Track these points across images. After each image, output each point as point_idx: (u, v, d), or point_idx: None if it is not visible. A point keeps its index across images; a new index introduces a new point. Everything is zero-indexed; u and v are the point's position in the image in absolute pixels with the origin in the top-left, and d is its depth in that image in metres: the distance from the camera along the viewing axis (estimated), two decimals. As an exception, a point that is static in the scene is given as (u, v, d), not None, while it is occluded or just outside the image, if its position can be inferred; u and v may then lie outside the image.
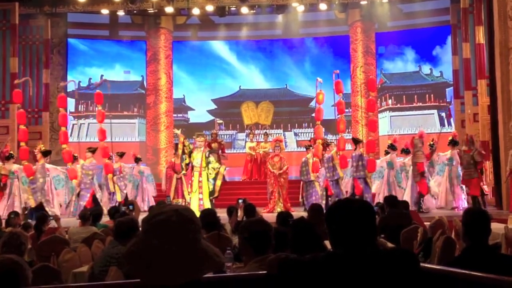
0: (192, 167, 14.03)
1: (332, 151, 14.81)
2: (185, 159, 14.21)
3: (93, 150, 15.11)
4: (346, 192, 14.57)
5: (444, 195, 14.92)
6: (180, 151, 14.32)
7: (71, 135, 20.76)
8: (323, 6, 19.80)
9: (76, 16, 20.66)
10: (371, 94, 15.76)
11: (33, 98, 19.15)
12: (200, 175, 13.86)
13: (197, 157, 13.91)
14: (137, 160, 17.30)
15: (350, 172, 14.77)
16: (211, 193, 13.89)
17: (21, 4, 18.44)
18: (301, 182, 15.67)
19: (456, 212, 12.96)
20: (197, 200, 13.73)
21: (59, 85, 17.64)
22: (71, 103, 21.15)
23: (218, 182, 13.92)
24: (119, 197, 15.08)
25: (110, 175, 15.20)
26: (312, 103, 22.34)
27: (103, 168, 15.44)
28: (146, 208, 15.57)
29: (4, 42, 18.35)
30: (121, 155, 16.06)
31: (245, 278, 2.77)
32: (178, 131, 14.79)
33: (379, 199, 13.88)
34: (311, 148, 15.52)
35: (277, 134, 21.14)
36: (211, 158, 14.19)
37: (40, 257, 6.67)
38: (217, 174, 13.92)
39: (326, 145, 15.53)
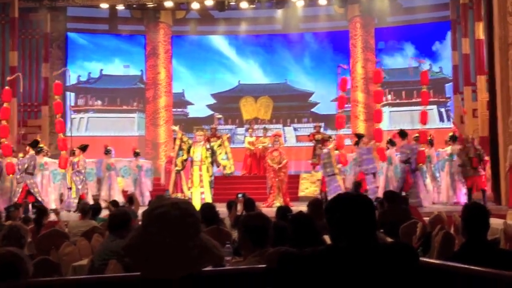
0: (192, 161, 14.05)
1: (370, 143, 14.70)
2: (182, 155, 14.22)
3: (32, 144, 14.65)
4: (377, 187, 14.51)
5: (445, 191, 14.97)
6: (176, 147, 14.33)
7: (70, 129, 20.79)
8: (322, 1, 19.82)
9: (76, 10, 20.65)
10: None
11: (32, 92, 19.16)
12: (200, 169, 13.88)
13: (197, 152, 13.93)
14: (136, 155, 17.23)
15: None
16: (229, 168, 14.16)
17: (21, -2, 18.44)
18: (322, 177, 15.16)
19: (456, 207, 12.97)
20: (198, 194, 13.76)
21: (53, 74, 17.25)
22: (70, 97, 21.16)
23: (230, 155, 14.16)
24: (74, 193, 14.69)
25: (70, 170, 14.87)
26: (312, 98, 22.37)
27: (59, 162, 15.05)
28: (146, 203, 15.52)
29: (3, 36, 18.36)
30: (82, 148, 15.30)
31: (245, 272, 2.78)
32: (176, 128, 14.82)
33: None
34: (331, 139, 15.37)
35: (277, 129, 21.12)
36: (212, 143, 14.31)
37: (40, 250, 6.68)
38: (225, 148, 14.09)
39: (325, 140, 15.50)
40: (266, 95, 22.54)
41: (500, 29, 13.46)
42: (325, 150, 14.98)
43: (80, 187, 14.85)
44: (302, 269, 2.42)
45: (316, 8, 21.05)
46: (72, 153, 15.42)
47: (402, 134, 14.56)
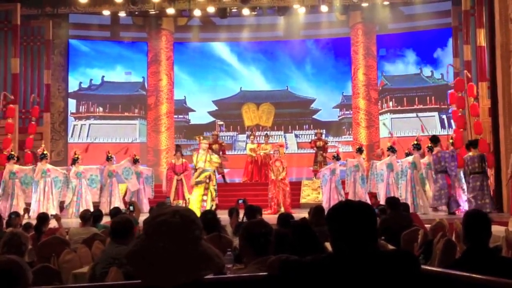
0: (195, 170, 14.06)
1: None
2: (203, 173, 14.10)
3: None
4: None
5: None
6: (200, 160, 14.11)
7: (71, 136, 20.82)
8: (324, 8, 19.81)
9: (78, 17, 20.69)
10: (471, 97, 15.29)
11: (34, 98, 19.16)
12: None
13: (201, 160, 13.93)
14: (135, 161, 17.12)
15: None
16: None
17: (23, 5, 18.45)
18: (446, 179, 13.89)
19: (457, 215, 12.93)
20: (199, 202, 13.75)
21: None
22: (72, 104, 21.19)
23: (215, 181, 14.15)
24: None
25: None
26: (313, 105, 22.37)
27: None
28: (144, 210, 15.41)
29: (5, 42, 18.39)
30: None
31: (246, 280, 2.77)
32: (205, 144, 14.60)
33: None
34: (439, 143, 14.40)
35: (278, 136, 21.16)
36: (213, 156, 14.33)
37: (40, 257, 6.67)
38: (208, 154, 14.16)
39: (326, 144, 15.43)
40: (268, 102, 22.53)
41: (501, 36, 13.46)
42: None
43: None
44: (304, 277, 2.41)
45: (317, 15, 21.06)
46: (73, 160, 15.51)
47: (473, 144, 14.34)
